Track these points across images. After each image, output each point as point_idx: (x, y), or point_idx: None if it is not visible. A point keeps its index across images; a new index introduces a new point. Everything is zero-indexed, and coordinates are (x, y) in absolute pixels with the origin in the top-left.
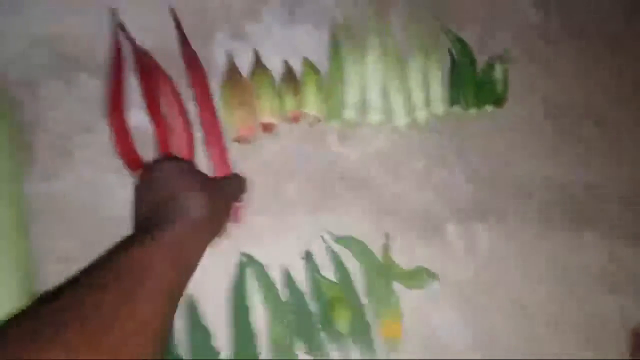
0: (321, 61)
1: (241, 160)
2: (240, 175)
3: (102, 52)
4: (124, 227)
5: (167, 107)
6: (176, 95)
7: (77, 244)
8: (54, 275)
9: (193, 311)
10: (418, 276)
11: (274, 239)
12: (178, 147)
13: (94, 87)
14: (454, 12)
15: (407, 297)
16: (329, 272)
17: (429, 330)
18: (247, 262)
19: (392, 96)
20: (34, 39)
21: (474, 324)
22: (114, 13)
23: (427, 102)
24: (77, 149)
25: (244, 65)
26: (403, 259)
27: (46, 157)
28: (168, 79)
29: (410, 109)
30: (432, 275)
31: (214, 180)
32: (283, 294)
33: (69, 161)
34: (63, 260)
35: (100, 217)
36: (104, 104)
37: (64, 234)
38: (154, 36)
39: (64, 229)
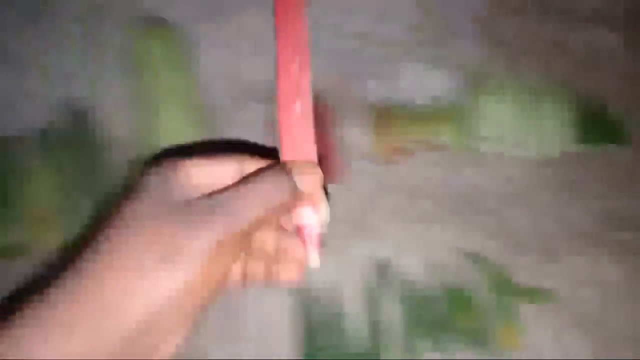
0: (457, 99)
1: (380, 178)
2: (282, 171)
3: (271, 84)
4: None
5: (318, 128)
6: (327, 120)
7: None
8: None
9: (332, 301)
10: (539, 295)
11: (406, 246)
12: (327, 173)
13: (261, 111)
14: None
15: (527, 314)
16: (455, 280)
17: (548, 345)
18: (383, 264)
19: (523, 132)
20: (215, 70)
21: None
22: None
23: (557, 140)
24: None
25: (389, 99)
26: (525, 279)
27: None
28: (323, 107)
29: (540, 145)
30: (553, 296)
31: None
32: (414, 295)
33: None
34: None
35: None
36: (267, 127)
37: None
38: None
39: None
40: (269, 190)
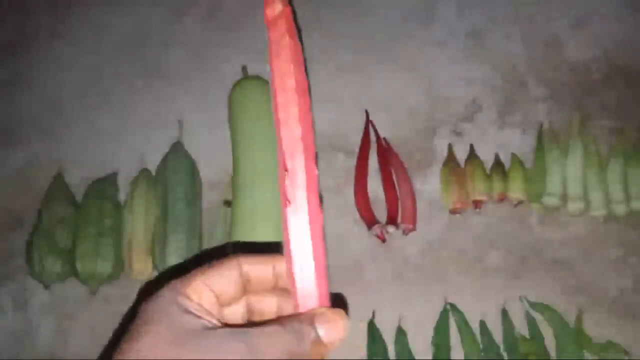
0: (526, 156)
1: (453, 229)
2: (305, 321)
3: (354, 137)
4: None
5: (397, 180)
6: (405, 172)
7: None
8: None
9: (402, 338)
10: (609, 349)
11: (475, 294)
12: (403, 211)
13: (345, 161)
14: None
15: None
16: (522, 331)
17: None
18: (451, 309)
19: (590, 189)
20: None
21: None
22: (367, 112)
23: (626, 198)
24: (331, 207)
25: (461, 155)
26: (594, 333)
27: None
28: (399, 160)
29: (608, 203)
30: (624, 351)
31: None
32: (479, 341)
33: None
34: None
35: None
36: (352, 174)
37: None
38: (390, 129)
39: None
40: (291, 340)
